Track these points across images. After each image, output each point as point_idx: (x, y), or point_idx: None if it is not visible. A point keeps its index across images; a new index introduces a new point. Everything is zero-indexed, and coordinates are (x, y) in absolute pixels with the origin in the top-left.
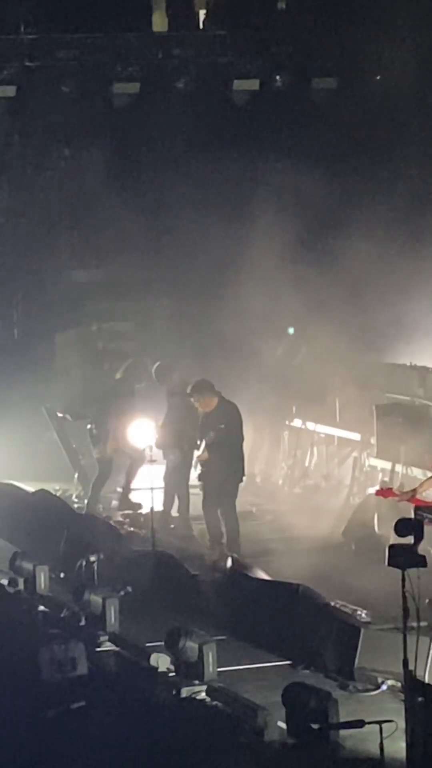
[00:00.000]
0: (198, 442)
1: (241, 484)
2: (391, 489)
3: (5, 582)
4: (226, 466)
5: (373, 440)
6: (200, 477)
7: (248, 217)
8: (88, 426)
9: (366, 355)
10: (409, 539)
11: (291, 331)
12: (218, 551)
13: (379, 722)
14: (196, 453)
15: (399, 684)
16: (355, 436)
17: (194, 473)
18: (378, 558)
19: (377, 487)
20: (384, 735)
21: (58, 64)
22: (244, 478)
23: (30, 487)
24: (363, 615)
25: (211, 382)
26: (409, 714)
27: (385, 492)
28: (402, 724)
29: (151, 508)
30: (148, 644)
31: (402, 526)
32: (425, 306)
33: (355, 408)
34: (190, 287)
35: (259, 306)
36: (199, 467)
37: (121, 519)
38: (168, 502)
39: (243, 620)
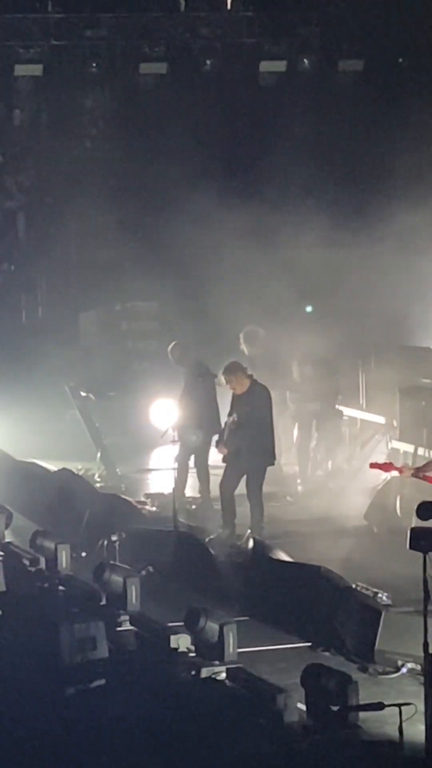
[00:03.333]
0: (222, 424)
1: (270, 467)
2: (390, 463)
3: (27, 561)
4: (252, 449)
5: (396, 423)
6: (225, 459)
7: (273, 200)
8: None
9: (389, 338)
10: (431, 523)
11: (309, 309)
12: (228, 532)
13: (399, 705)
14: (214, 437)
15: (419, 667)
16: (379, 419)
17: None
18: (400, 541)
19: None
20: (403, 718)
21: (85, 44)
22: (275, 462)
23: (53, 466)
24: (384, 597)
25: (243, 365)
26: (429, 697)
27: (383, 466)
28: (421, 707)
29: (173, 489)
30: (168, 624)
31: (424, 510)
32: None
33: (379, 391)
34: (212, 268)
35: (283, 287)
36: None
37: (143, 499)
38: (181, 483)
39: (264, 601)
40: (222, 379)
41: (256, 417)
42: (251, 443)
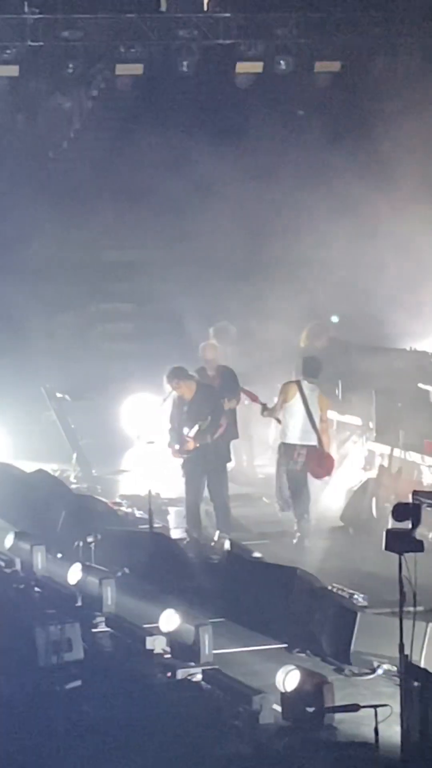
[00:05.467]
0: (189, 429)
1: (230, 464)
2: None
3: (2, 563)
4: (214, 450)
5: (372, 424)
6: (185, 463)
7: (252, 200)
8: None
9: (366, 340)
10: (407, 524)
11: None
12: (195, 536)
13: (375, 706)
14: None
15: (395, 668)
16: (356, 420)
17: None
18: (375, 542)
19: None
20: (379, 719)
21: (61, 45)
22: (233, 458)
23: (28, 468)
24: (360, 599)
25: (185, 368)
26: (405, 698)
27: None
28: (397, 708)
29: (149, 490)
30: (144, 626)
31: (400, 511)
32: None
33: (355, 392)
34: (190, 268)
35: (264, 289)
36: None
37: (119, 500)
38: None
39: (239, 603)
40: (167, 386)
41: (216, 416)
42: (216, 444)
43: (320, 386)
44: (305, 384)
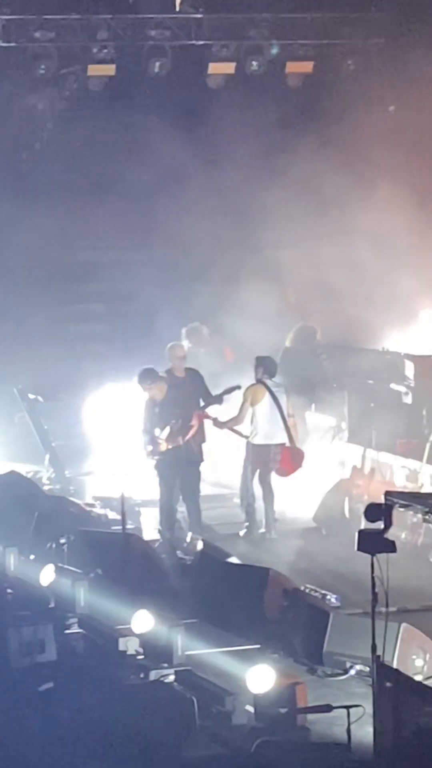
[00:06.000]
0: (161, 430)
1: (203, 464)
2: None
3: None
4: (187, 450)
5: (344, 425)
6: (157, 465)
7: (225, 201)
8: None
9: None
10: (379, 524)
11: None
12: (168, 537)
13: (347, 707)
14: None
15: (367, 669)
16: (328, 421)
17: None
18: (348, 543)
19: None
20: (351, 720)
21: (33, 46)
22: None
23: (0, 469)
24: (332, 599)
25: (156, 369)
26: (377, 699)
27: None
28: (370, 708)
29: (122, 492)
30: (117, 627)
31: (371, 512)
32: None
33: (329, 392)
34: (164, 270)
35: (236, 290)
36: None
37: (92, 501)
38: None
39: (212, 604)
40: (140, 387)
41: (187, 417)
42: (186, 445)
43: (282, 385)
44: (270, 383)
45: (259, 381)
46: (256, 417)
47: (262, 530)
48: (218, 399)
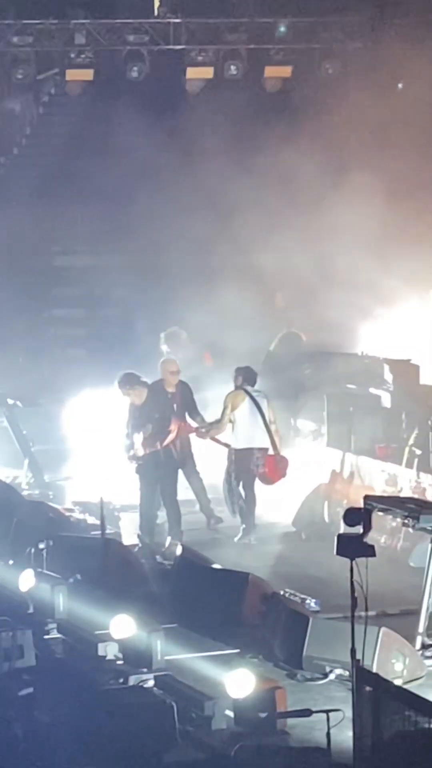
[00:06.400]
0: (135, 435)
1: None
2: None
3: None
4: (167, 455)
5: (324, 429)
6: (138, 469)
7: (204, 205)
8: None
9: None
10: (358, 529)
11: None
12: (147, 542)
13: (327, 711)
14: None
15: (347, 673)
16: (308, 425)
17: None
18: (327, 547)
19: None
20: (331, 724)
21: (11, 50)
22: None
23: None
24: (312, 604)
25: (138, 374)
26: (357, 703)
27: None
28: (349, 713)
29: (101, 497)
30: (96, 632)
31: (351, 516)
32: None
33: (308, 396)
34: (143, 274)
35: (215, 294)
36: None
37: (71, 506)
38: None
39: (192, 608)
40: (119, 392)
41: (166, 423)
42: (165, 450)
43: (262, 391)
44: (250, 389)
45: (238, 387)
46: (237, 422)
47: (238, 537)
48: (201, 420)
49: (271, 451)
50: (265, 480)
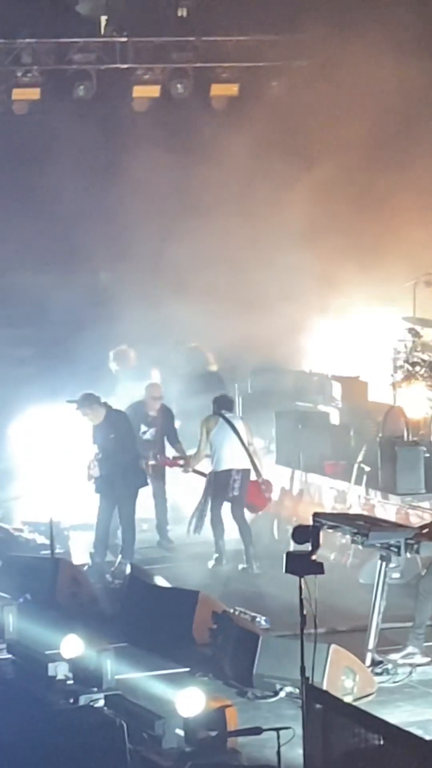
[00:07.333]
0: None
1: (142, 489)
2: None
3: None
4: (126, 475)
5: (273, 446)
6: (97, 489)
7: (149, 223)
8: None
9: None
10: (307, 546)
11: None
12: (99, 561)
13: (277, 729)
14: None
15: (297, 690)
16: (257, 442)
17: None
18: (277, 565)
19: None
20: (281, 742)
21: None
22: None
23: None
24: (262, 622)
25: (97, 395)
26: (307, 720)
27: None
28: (299, 730)
29: (50, 516)
30: (46, 652)
31: (299, 533)
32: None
33: (256, 414)
34: (90, 292)
35: (164, 312)
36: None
37: (20, 526)
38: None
39: (142, 627)
40: (78, 412)
41: (121, 443)
42: (124, 470)
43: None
44: (226, 413)
45: (215, 413)
46: (213, 445)
47: (243, 565)
48: (180, 448)
49: (253, 475)
50: (252, 509)
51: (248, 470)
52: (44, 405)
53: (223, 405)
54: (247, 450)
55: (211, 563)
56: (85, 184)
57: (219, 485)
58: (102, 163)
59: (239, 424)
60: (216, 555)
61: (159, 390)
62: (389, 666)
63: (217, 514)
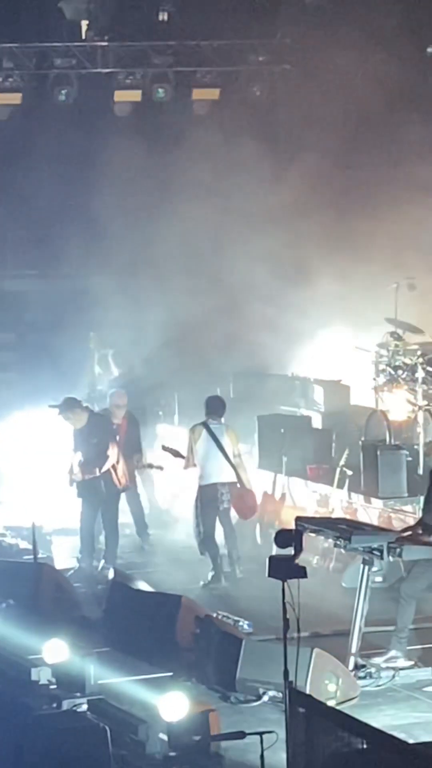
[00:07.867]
0: (74, 460)
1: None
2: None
3: None
4: (107, 479)
5: (255, 451)
6: (79, 494)
7: (131, 229)
8: None
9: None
10: (290, 550)
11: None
12: (83, 565)
13: (260, 733)
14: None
15: (280, 694)
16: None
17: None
18: (260, 569)
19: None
20: (265, 746)
21: None
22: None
23: None
24: (245, 626)
25: (79, 399)
26: (290, 724)
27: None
28: (283, 734)
29: (33, 521)
30: (29, 657)
31: (282, 537)
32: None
33: (238, 418)
34: (70, 297)
35: (141, 316)
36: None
37: (2, 531)
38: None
39: (125, 632)
40: (60, 416)
41: (103, 447)
42: (106, 474)
43: (227, 424)
44: (211, 423)
45: (200, 422)
46: (199, 457)
47: (227, 569)
48: (139, 457)
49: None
50: (241, 513)
51: (234, 483)
52: (25, 410)
53: (213, 410)
54: (231, 462)
55: (202, 583)
56: (66, 188)
57: (206, 499)
58: (83, 168)
59: (224, 436)
60: (212, 573)
61: (123, 398)
62: (372, 670)
63: (210, 535)
